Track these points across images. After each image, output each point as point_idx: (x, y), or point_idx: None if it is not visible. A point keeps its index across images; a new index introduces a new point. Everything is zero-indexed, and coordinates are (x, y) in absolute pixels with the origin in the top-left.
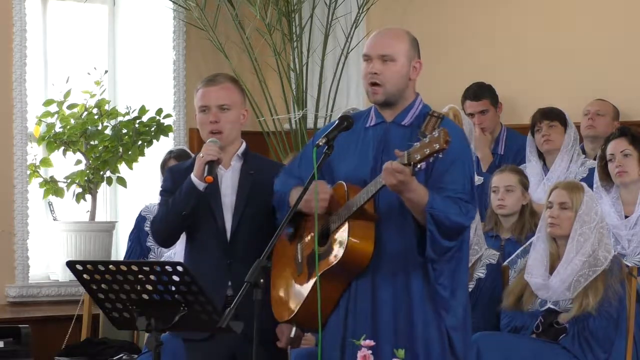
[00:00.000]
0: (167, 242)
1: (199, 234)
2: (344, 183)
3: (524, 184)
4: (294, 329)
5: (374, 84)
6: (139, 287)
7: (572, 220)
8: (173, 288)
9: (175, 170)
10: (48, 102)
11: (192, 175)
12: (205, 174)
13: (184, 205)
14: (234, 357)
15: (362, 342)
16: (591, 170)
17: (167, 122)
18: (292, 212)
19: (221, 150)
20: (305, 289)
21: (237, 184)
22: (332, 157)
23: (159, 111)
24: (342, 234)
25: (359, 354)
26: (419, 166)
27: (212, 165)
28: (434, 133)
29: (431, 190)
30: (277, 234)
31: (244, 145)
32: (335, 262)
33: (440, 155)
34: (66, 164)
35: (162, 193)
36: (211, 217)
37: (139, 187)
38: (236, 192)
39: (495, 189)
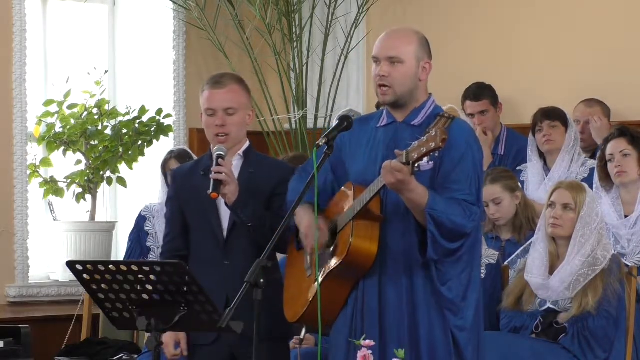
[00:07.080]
0: None
1: (196, 233)
2: (352, 183)
3: (510, 186)
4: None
5: (382, 86)
6: (139, 287)
7: (575, 221)
8: (173, 288)
9: (178, 174)
10: (48, 102)
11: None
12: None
13: None
14: (233, 357)
15: (362, 342)
16: (592, 170)
17: (167, 122)
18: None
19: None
20: (312, 289)
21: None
22: (346, 157)
23: (159, 111)
24: (346, 234)
25: (359, 354)
26: (417, 165)
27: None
28: (431, 132)
29: (436, 190)
30: (277, 235)
31: (247, 144)
32: (339, 262)
33: (437, 154)
34: (66, 164)
35: (166, 202)
36: (208, 217)
37: (139, 187)
38: None
39: (485, 203)
